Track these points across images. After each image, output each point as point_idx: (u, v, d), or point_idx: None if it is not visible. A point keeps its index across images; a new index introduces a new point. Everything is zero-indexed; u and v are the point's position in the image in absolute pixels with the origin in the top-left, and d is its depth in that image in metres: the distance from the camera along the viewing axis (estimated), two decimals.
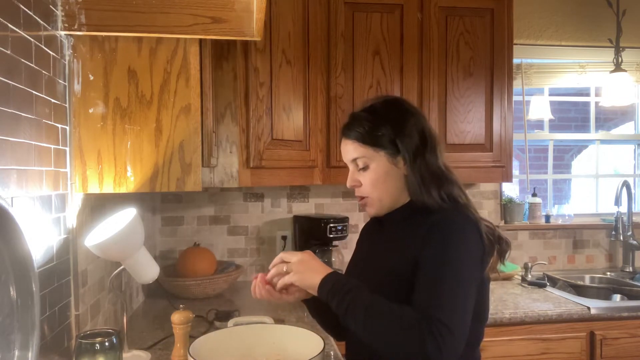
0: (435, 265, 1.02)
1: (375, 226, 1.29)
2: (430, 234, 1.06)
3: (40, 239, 1.03)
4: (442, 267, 1.01)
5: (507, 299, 2.09)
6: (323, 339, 1.09)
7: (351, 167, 1.20)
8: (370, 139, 1.15)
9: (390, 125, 1.15)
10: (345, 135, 1.19)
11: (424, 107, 2.15)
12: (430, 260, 1.03)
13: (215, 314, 1.70)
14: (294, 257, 1.10)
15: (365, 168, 1.16)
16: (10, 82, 0.90)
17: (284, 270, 1.09)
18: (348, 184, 1.20)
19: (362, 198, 1.21)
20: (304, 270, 1.07)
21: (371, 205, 1.20)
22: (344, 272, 2.18)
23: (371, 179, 1.16)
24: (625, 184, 2.53)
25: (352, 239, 2.40)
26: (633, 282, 2.44)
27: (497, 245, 1.12)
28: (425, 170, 1.13)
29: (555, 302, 2.04)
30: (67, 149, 1.20)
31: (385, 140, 1.14)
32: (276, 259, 1.13)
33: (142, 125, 1.24)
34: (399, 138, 1.13)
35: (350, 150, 1.18)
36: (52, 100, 1.11)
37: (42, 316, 0.97)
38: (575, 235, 2.71)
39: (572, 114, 4.12)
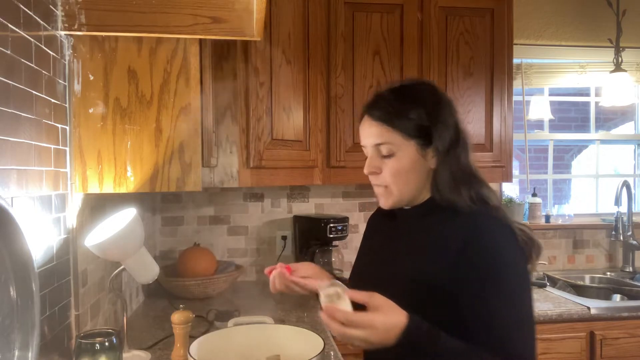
0: (492, 292, 0.92)
1: (386, 220, 1.19)
2: (474, 250, 0.95)
3: (40, 239, 1.03)
4: (501, 293, 0.92)
5: None
6: (323, 339, 1.09)
7: (371, 151, 1.06)
8: (400, 123, 1.01)
9: (424, 110, 1.02)
10: (370, 115, 1.05)
11: None
12: (484, 286, 0.92)
13: (215, 314, 1.70)
14: (360, 332, 0.85)
15: (389, 155, 1.03)
16: (10, 82, 0.90)
17: (348, 342, 0.88)
18: (366, 170, 1.07)
19: (378, 187, 1.09)
20: (375, 344, 0.87)
21: (388, 197, 1.07)
22: (343, 270, 2.13)
23: (395, 169, 1.03)
24: (625, 184, 2.53)
25: (352, 239, 2.41)
26: (633, 282, 2.44)
27: (532, 249, 1.01)
28: (456, 167, 1.02)
29: (555, 302, 2.04)
30: (67, 149, 1.20)
31: (417, 126, 1.01)
32: (340, 316, 0.85)
33: (142, 125, 1.24)
34: (435, 126, 1.01)
35: (374, 133, 1.04)
36: (52, 100, 1.11)
37: (42, 316, 0.97)
38: (575, 235, 2.71)
39: (572, 114, 4.12)
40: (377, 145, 1.04)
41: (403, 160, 1.03)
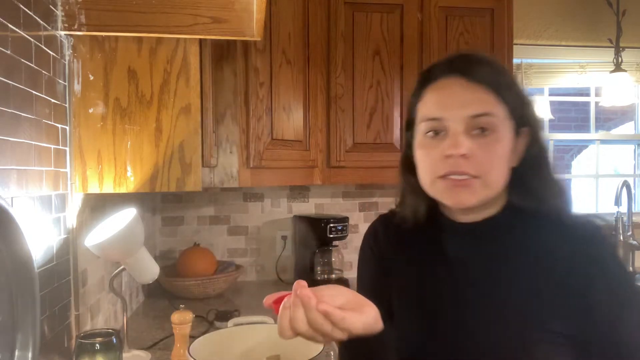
0: (630, 318, 0.75)
1: (419, 242, 0.87)
2: (606, 274, 0.75)
3: (40, 239, 1.03)
4: (635, 318, 0.76)
5: None
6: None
7: (454, 126, 0.76)
8: (507, 94, 0.77)
9: (520, 89, 0.82)
10: (472, 76, 0.77)
11: None
12: (625, 314, 0.75)
13: (215, 314, 1.70)
14: None
15: (485, 132, 0.76)
16: (10, 82, 0.90)
17: None
18: (456, 151, 0.75)
19: (460, 177, 0.76)
20: None
21: (474, 192, 0.76)
22: (343, 270, 2.07)
23: (498, 151, 0.76)
24: (625, 184, 2.53)
25: (352, 239, 2.41)
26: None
27: None
28: (551, 164, 0.82)
29: None
30: (67, 149, 1.20)
31: (518, 102, 0.79)
32: None
33: (142, 125, 1.24)
34: (529, 110, 0.81)
35: (477, 99, 0.76)
36: (52, 100, 1.11)
37: (42, 316, 0.97)
38: None
39: (572, 114, 4.12)
40: (476, 117, 0.75)
41: (504, 141, 0.77)
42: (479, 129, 0.76)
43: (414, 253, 0.88)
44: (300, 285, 0.65)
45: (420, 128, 0.81)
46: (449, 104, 0.77)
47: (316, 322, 0.63)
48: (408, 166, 0.87)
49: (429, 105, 0.80)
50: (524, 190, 0.80)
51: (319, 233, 2.21)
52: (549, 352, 0.73)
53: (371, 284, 0.93)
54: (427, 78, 0.82)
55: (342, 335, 0.66)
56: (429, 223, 0.86)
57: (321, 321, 0.63)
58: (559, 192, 0.80)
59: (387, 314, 0.78)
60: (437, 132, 0.79)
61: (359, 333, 0.66)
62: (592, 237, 0.78)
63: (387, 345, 0.71)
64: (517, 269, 0.79)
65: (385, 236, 0.94)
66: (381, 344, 0.70)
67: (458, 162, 0.75)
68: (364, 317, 0.67)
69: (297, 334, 0.65)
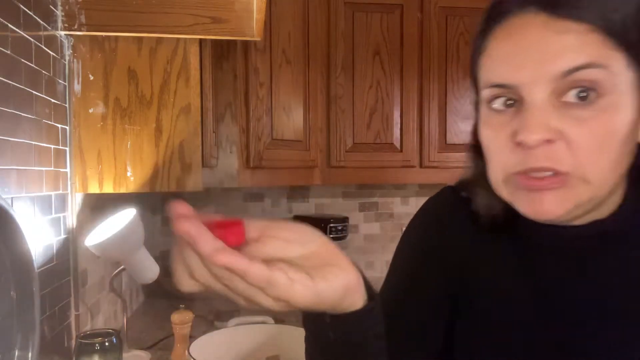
0: None
1: (513, 253, 0.61)
2: None
3: (40, 239, 1.03)
4: None
5: None
6: None
7: (537, 92, 0.49)
8: (631, 34, 0.48)
9: None
10: (557, 7, 0.48)
11: (424, 107, 2.15)
12: None
13: (215, 314, 1.70)
14: None
15: (588, 97, 0.48)
16: (10, 82, 0.90)
17: None
18: (529, 137, 0.48)
19: (540, 175, 0.50)
20: None
21: (565, 197, 0.50)
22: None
23: (610, 129, 0.48)
24: None
25: (352, 239, 2.41)
26: None
27: None
28: None
29: None
30: (67, 149, 1.20)
31: None
32: None
33: (142, 125, 1.24)
34: None
35: (563, 46, 0.47)
36: (52, 100, 1.11)
37: (42, 316, 0.97)
38: None
39: None
40: (571, 72, 0.47)
41: (622, 109, 0.48)
42: (578, 90, 0.48)
43: (502, 260, 0.61)
44: (182, 210, 0.38)
45: (484, 95, 0.54)
46: (521, 58, 0.49)
47: (223, 278, 0.40)
48: (476, 144, 0.60)
49: (494, 61, 0.52)
50: None
51: None
52: None
53: (425, 290, 0.65)
54: (492, 16, 0.53)
55: (277, 306, 0.43)
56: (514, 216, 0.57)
57: (228, 277, 0.39)
58: None
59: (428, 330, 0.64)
60: (511, 102, 0.52)
61: (306, 306, 0.42)
62: None
63: (367, 341, 0.49)
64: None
65: (456, 229, 0.65)
66: (349, 333, 0.47)
67: (536, 153, 0.48)
68: (323, 284, 0.41)
69: (204, 286, 0.43)
